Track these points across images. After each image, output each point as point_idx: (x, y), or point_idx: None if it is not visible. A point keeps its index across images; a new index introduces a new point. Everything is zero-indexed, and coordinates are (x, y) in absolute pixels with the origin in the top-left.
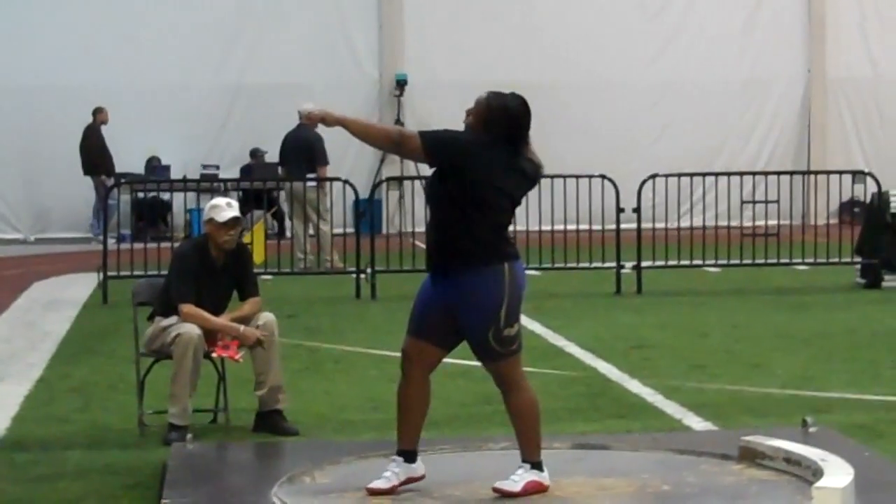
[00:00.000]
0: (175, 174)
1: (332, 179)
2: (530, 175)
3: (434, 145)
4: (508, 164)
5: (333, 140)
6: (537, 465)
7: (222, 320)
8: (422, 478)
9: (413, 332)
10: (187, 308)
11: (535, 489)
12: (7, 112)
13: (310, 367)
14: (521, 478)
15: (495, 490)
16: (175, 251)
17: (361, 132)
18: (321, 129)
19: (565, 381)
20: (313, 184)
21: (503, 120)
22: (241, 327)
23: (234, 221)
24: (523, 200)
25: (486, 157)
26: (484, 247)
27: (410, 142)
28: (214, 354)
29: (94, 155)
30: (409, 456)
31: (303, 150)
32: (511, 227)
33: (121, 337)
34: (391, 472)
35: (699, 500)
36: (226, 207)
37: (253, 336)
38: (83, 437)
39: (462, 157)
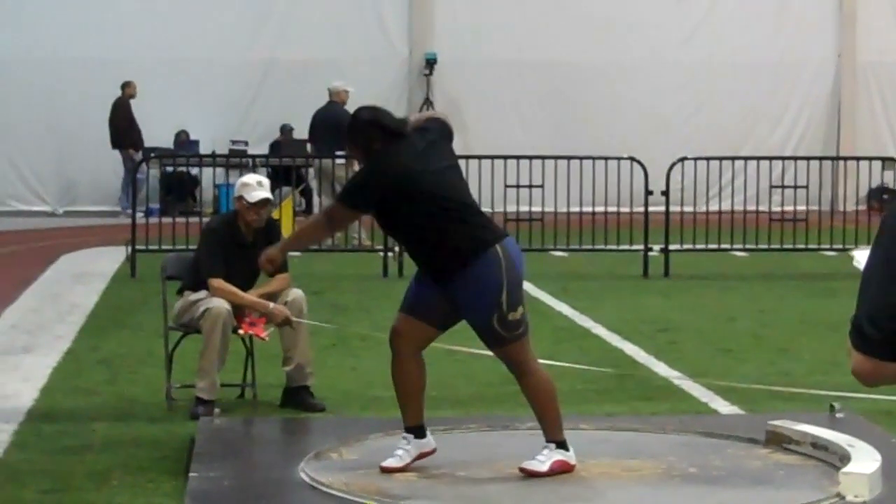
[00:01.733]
0: (204, 149)
1: None
2: (435, 132)
3: (355, 197)
4: (414, 150)
5: None
6: (562, 445)
7: (251, 296)
8: (433, 451)
9: (405, 310)
10: (216, 282)
11: (562, 468)
12: (37, 84)
13: (337, 344)
14: (546, 458)
15: (522, 470)
16: (205, 226)
17: (303, 240)
18: (350, 108)
19: (592, 363)
20: (342, 161)
21: (374, 130)
22: (271, 304)
23: (264, 202)
24: (552, 182)
25: (398, 161)
26: (467, 243)
27: (337, 212)
28: (241, 331)
29: (123, 128)
30: (418, 432)
31: (333, 128)
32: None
33: (149, 310)
34: (403, 451)
35: (725, 484)
36: (256, 187)
37: (282, 314)
38: (111, 409)
39: (386, 179)
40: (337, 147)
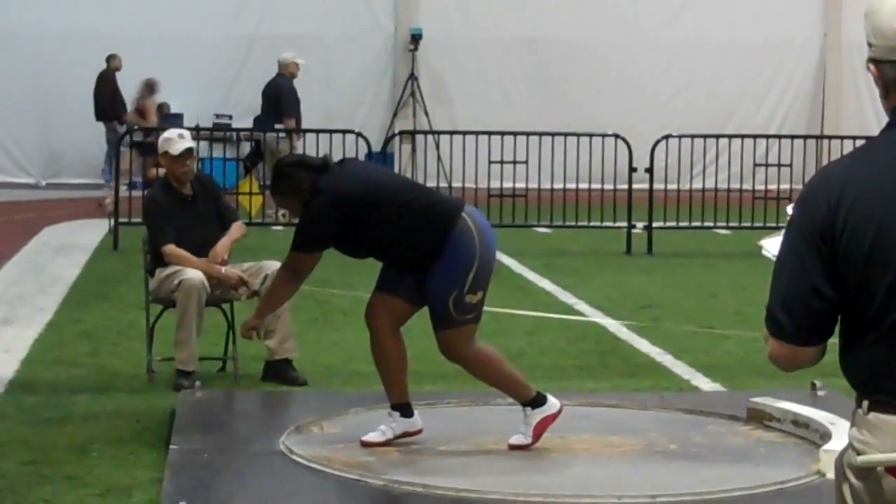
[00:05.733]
0: (188, 123)
1: (345, 132)
2: (351, 160)
3: (309, 241)
4: (343, 174)
5: (346, 92)
6: (536, 401)
7: (203, 262)
8: (419, 432)
9: (379, 288)
10: (168, 249)
11: (545, 426)
12: (22, 56)
13: (319, 318)
14: (527, 426)
15: (511, 447)
16: (145, 199)
17: (275, 300)
18: (299, 83)
19: (574, 339)
20: (283, 135)
21: (298, 171)
22: (223, 269)
23: (187, 153)
24: (536, 158)
25: (333, 190)
26: (435, 227)
27: (297, 262)
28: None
29: (107, 101)
30: (405, 410)
31: (273, 100)
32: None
33: (131, 283)
34: (386, 426)
35: (706, 460)
36: (178, 139)
37: (234, 277)
38: (92, 381)
39: (330, 211)
40: (276, 120)
